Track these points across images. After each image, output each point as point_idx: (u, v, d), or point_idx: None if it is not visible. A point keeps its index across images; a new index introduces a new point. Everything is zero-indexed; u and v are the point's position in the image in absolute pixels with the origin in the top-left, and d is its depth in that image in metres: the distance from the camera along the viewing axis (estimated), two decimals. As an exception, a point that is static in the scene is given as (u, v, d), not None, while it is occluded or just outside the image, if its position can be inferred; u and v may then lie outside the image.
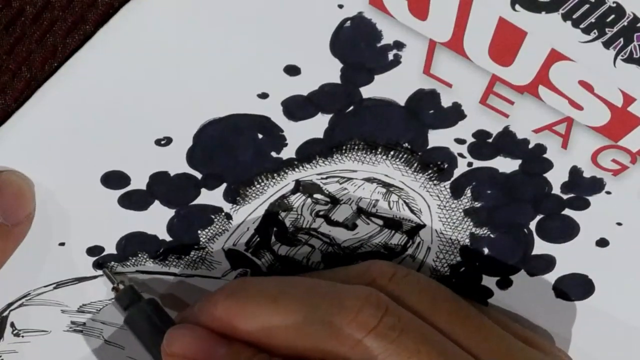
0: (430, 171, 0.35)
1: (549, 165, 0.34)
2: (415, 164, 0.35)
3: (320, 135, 0.34)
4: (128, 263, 0.37)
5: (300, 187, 0.36)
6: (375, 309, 0.32)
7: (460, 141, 0.34)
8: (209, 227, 0.36)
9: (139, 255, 0.37)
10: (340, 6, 0.30)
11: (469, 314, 0.36)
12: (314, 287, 0.34)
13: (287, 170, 0.35)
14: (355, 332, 0.32)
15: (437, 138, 0.34)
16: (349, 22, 0.30)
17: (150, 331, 0.36)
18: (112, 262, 0.37)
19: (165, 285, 0.39)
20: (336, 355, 0.32)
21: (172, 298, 0.39)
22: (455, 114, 0.33)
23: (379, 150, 0.35)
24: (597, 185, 0.35)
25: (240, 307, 0.34)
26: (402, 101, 0.33)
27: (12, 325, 0.38)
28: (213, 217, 0.36)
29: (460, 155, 0.35)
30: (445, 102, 0.33)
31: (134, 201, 0.35)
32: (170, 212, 0.36)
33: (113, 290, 0.37)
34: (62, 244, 0.36)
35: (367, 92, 0.32)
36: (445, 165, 0.35)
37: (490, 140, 0.34)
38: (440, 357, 0.32)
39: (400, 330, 0.32)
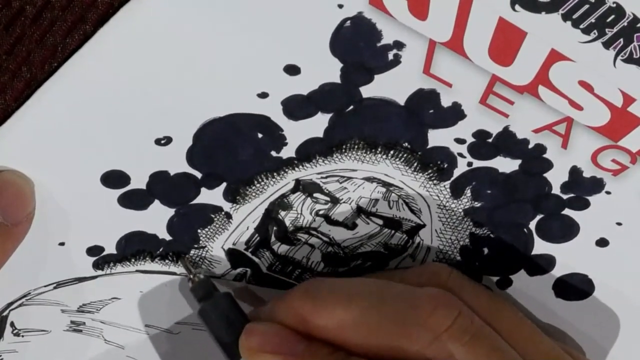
0: (430, 171, 0.35)
1: (548, 165, 0.34)
2: (415, 164, 0.35)
3: (320, 135, 0.34)
4: (128, 263, 0.37)
5: (300, 186, 0.36)
6: (449, 310, 0.33)
7: (460, 141, 0.34)
8: (208, 227, 0.36)
9: (139, 254, 0.37)
10: (340, 6, 0.30)
11: (526, 322, 0.36)
12: (387, 287, 0.34)
13: (287, 170, 0.35)
14: (428, 332, 0.33)
15: (437, 138, 0.34)
16: (348, 22, 0.30)
17: (224, 325, 0.36)
18: (191, 254, 0.37)
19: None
20: (409, 354, 0.33)
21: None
22: (455, 114, 0.33)
23: (379, 149, 0.35)
24: (597, 185, 0.35)
25: (316, 306, 0.34)
26: (402, 101, 0.33)
27: (12, 324, 0.38)
28: (213, 216, 0.36)
29: (460, 155, 0.35)
30: (445, 102, 0.33)
31: (134, 201, 0.35)
32: (170, 212, 0.36)
33: (189, 281, 0.37)
34: (62, 244, 0.36)
35: (367, 91, 0.32)
36: (445, 165, 0.35)
37: (490, 140, 0.34)
38: None
39: (473, 334, 0.33)
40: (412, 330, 0.33)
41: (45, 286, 0.37)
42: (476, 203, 0.36)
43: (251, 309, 0.38)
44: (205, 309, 0.36)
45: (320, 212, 0.37)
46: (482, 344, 0.33)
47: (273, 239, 0.38)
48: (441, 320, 0.33)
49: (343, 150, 0.35)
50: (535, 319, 0.39)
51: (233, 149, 0.34)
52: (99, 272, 0.37)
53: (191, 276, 0.37)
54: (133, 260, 0.37)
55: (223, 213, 0.36)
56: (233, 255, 0.38)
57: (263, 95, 0.32)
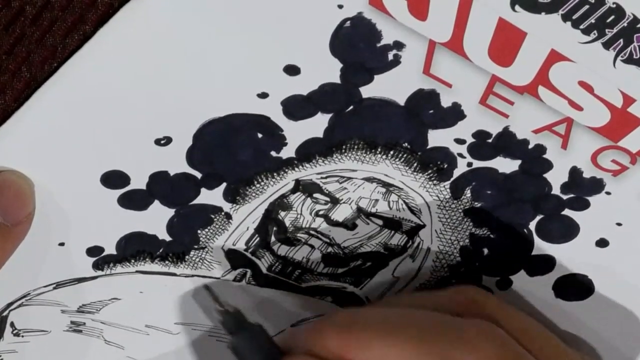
0: (430, 171, 0.35)
1: (548, 165, 0.34)
2: (415, 164, 0.35)
3: (320, 135, 0.34)
4: (128, 263, 0.37)
5: (300, 186, 0.36)
6: (493, 344, 0.32)
7: (460, 141, 0.34)
8: (208, 227, 0.36)
9: (139, 255, 0.37)
10: (340, 6, 0.30)
11: (558, 343, 0.36)
12: (429, 319, 0.34)
13: (286, 170, 0.35)
14: None
15: (437, 138, 0.34)
16: (348, 22, 0.30)
17: (258, 358, 0.35)
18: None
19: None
20: None
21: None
22: (455, 114, 0.33)
23: (379, 149, 0.35)
24: (597, 185, 0.35)
25: (355, 340, 0.33)
26: (402, 101, 0.33)
27: (12, 325, 0.38)
28: (213, 216, 0.36)
29: (460, 155, 0.35)
30: (445, 102, 0.33)
31: (134, 201, 0.35)
32: (170, 212, 0.36)
33: (218, 313, 0.36)
34: (62, 244, 0.36)
35: (366, 91, 0.32)
36: (445, 166, 0.35)
37: (490, 141, 0.34)
38: None
39: None
40: None
41: (45, 286, 0.37)
42: (476, 203, 0.36)
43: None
44: (237, 342, 0.35)
45: (320, 213, 0.37)
46: None
47: (273, 239, 0.38)
48: (486, 354, 0.32)
49: (343, 151, 0.35)
50: (544, 320, 0.39)
51: (233, 149, 0.34)
52: (99, 273, 0.37)
53: (221, 308, 0.36)
54: (133, 260, 0.37)
55: (223, 213, 0.36)
56: (233, 255, 0.38)
57: (263, 95, 0.32)
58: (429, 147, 0.34)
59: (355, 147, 0.34)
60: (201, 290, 0.39)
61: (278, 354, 0.35)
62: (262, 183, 0.35)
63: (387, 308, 0.36)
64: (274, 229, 0.37)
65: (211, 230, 0.37)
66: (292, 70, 0.32)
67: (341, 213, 0.37)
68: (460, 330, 0.33)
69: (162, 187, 0.35)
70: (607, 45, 0.29)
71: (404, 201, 0.37)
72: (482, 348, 0.32)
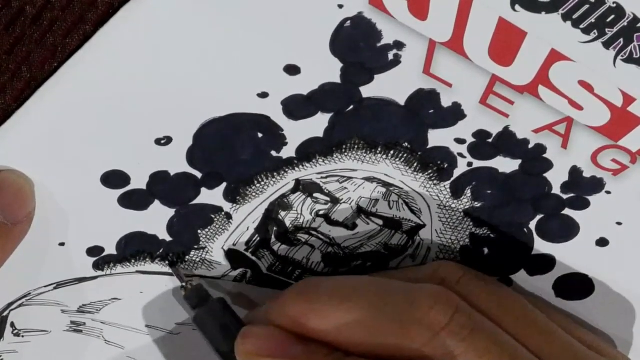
0: (430, 171, 0.35)
1: (549, 165, 0.34)
2: (415, 164, 0.35)
3: (320, 135, 0.34)
4: (128, 263, 0.37)
5: (300, 186, 0.36)
6: (446, 307, 0.33)
7: (460, 141, 0.34)
8: (209, 227, 0.36)
9: (139, 255, 0.37)
10: (340, 6, 0.30)
11: (536, 318, 0.36)
12: (384, 286, 0.34)
13: (287, 170, 0.35)
14: (427, 329, 0.32)
15: (437, 138, 0.34)
16: (349, 22, 0.30)
17: (220, 330, 0.36)
18: (180, 264, 0.37)
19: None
20: (408, 352, 0.32)
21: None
22: (455, 114, 0.33)
23: (379, 149, 0.35)
24: (597, 185, 0.35)
25: (311, 306, 0.34)
26: (402, 101, 0.33)
27: (12, 325, 0.38)
28: (213, 216, 0.36)
29: (460, 155, 0.35)
30: (445, 102, 0.33)
31: (134, 201, 0.35)
32: (171, 212, 0.36)
33: (182, 289, 0.37)
34: (62, 244, 0.36)
35: (367, 91, 0.32)
36: (445, 165, 0.35)
37: (490, 140, 0.34)
38: (510, 359, 0.33)
39: (471, 329, 0.33)
40: (411, 329, 0.33)
41: (45, 286, 0.37)
42: (476, 203, 0.36)
43: (247, 313, 0.38)
44: (200, 315, 0.36)
45: (321, 213, 0.37)
46: (481, 338, 0.33)
47: (273, 239, 0.38)
48: (439, 317, 0.32)
49: (343, 150, 0.35)
50: (562, 311, 0.39)
51: (233, 149, 0.34)
52: (99, 273, 0.37)
53: (184, 284, 0.37)
54: (133, 261, 0.37)
55: (223, 213, 0.36)
56: (233, 255, 0.38)
57: (263, 95, 0.32)
58: (429, 146, 0.34)
59: (356, 147, 0.34)
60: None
61: (239, 326, 0.35)
62: (263, 183, 0.35)
63: (346, 277, 0.36)
64: (274, 229, 0.37)
65: (211, 230, 0.37)
66: (292, 70, 0.32)
67: (341, 213, 0.37)
68: (413, 294, 0.33)
69: (162, 187, 0.35)
70: (607, 45, 0.29)
71: (404, 201, 0.37)
72: (435, 311, 0.33)
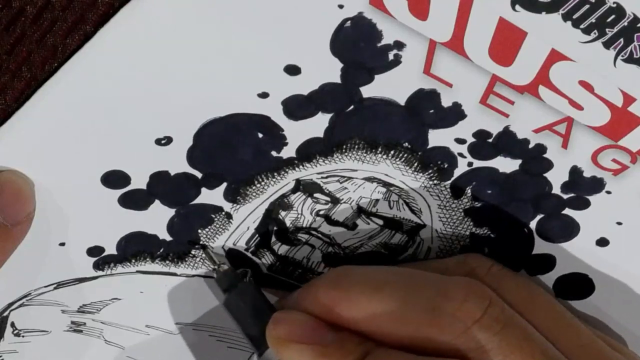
0: (430, 171, 0.35)
1: (549, 165, 0.34)
2: (416, 164, 0.35)
3: (321, 135, 0.34)
4: (128, 263, 0.37)
5: (301, 186, 0.36)
6: (480, 300, 0.32)
7: (460, 141, 0.34)
8: (209, 227, 0.36)
9: (140, 255, 0.37)
10: (341, 6, 0.30)
11: (564, 313, 0.36)
12: (417, 276, 0.34)
13: (287, 170, 0.35)
14: (460, 321, 0.32)
15: (437, 138, 0.34)
16: (349, 22, 0.30)
17: (250, 314, 0.35)
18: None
19: None
20: (438, 344, 0.32)
21: None
22: (455, 114, 0.33)
23: (379, 149, 0.35)
24: (597, 184, 0.35)
25: (344, 295, 0.33)
26: (402, 101, 0.33)
27: (13, 325, 0.38)
28: (213, 216, 0.36)
29: (461, 155, 0.35)
30: (446, 101, 0.33)
31: (134, 201, 0.35)
32: (171, 212, 0.36)
33: (213, 271, 0.37)
34: (62, 244, 0.36)
35: (367, 91, 0.32)
36: (446, 165, 0.35)
37: (490, 140, 0.34)
38: (542, 356, 0.32)
39: (504, 323, 0.32)
40: (443, 321, 0.32)
41: (45, 286, 0.37)
42: (476, 203, 0.36)
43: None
44: (231, 299, 0.36)
45: (321, 212, 0.37)
46: (513, 333, 0.32)
47: (273, 239, 0.38)
48: (472, 310, 0.32)
49: (343, 150, 0.35)
50: (576, 311, 0.39)
51: (233, 149, 0.34)
52: (100, 273, 0.37)
53: (216, 267, 0.36)
54: (133, 260, 0.37)
55: (223, 213, 0.36)
56: (233, 255, 0.38)
57: (263, 95, 0.32)
58: (429, 146, 0.34)
59: (356, 146, 0.34)
60: (203, 290, 0.39)
61: (270, 310, 0.35)
62: (263, 183, 0.35)
63: (378, 267, 0.36)
64: (275, 228, 0.37)
65: (212, 230, 0.37)
66: (292, 70, 0.32)
67: (342, 213, 0.37)
68: (446, 286, 0.33)
69: (162, 186, 0.35)
70: (607, 45, 0.29)
71: (405, 201, 0.37)
72: (469, 304, 0.32)
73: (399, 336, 0.33)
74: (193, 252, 0.37)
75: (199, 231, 0.36)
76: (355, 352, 0.33)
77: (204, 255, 0.37)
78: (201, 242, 0.37)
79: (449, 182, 0.36)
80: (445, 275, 0.34)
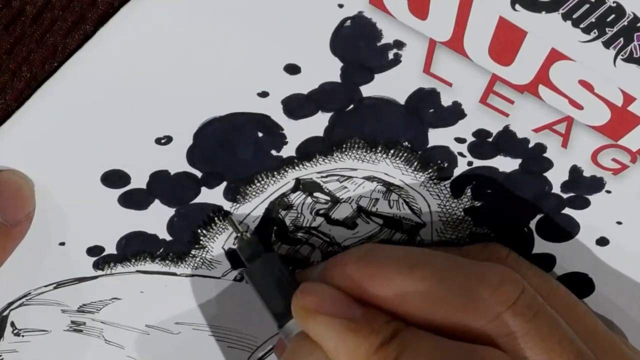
0: (430, 170, 0.35)
1: (549, 164, 0.34)
2: (416, 163, 0.35)
3: (321, 134, 0.34)
4: (128, 263, 0.37)
5: (301, 185, 0.36)
6: (514, 286, 0.32)
7: (460, 140, 0.34)
8: (209, 226, 0.36)
9: (139, 255, 0.37)
10: (341, 5, 0.30)
11: (581, 307, 0.36)
12: (451, 259, 0.33)
13: (287, 169, 0.35)
14: (494, 306, 0.32)
15: (437, 137, 0.34)
16: (349, 21, 0.30)
17: (273, 285, 0.35)
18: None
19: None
20: (469, 329, 0.32)
21: None
22: (455, 113, 0.33)
23: (379, 148, 0.35)
24: (597, 184, 0.35)
25: (374, 271, 0.33)
26: (402, 100, 0.33)
27: (13, 324, 0.38)
28: (213, 216, 0.36)
29: (461, 154, 0.35)
30: (446, 101, 0.33)
31: (134, 200, 0.35)
32: (171, 211, 0.36)
33: (236, 239, 0.36)
34: (62, 244, 0.36)
35: (367, 90, 0.32)
36: (446, 164, 0.35)
37: (490, 140, 0.34)
38: (571, 345, 0.32)
39: (536, 311, 0.32)
40: (477, 305, 0.32)
41: (45, 286, 0.37)
42: (476, 202, 0.36)
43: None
44: (253, 268, 0.35)
45: (321, 212, 0.37)
46: (544, 321, 0.32)
47: (273, 238, 0.38)
48: (507, 296, 0.32)
49: (343, 150, 0.35)
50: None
51: (233, 148, 0.34)
52: (99, 272, 0.37)
53: (239, 234, 0.36)
54: (133, 260, 0.37)
55: (223, 212, 0.36)
56: (233, 255, 0.38)
57: (263, 94, 0.32)
58: (429, 146, 0.34)
59: (356, 146, 0.34)
60: (203, 290, 0.39)
61: (293, 282, 0.34)
62: (263, 182, 0.35)
63: (409, 247, 0.35)
64: (275, 228, 0.37)
65: (212, 230, 0.37)
66: (292, 69, 0.32)
67: (341, 212, 0.37)
68: (482, 271, 0.33)
69: (162, 186, 0.35)
70: (607, 44, 0.29)
71: (405, 200, 0.37)
72: (503, 290, 0.32)
73: (429, 318, 0.32)
74: (193, 252, 0.37)
75: (199, 231, 0.36)
76: (385, 330, 0.32)
77: (226, 222, 0.36)
78: (224, 210, 0.36)
79: (449, 181, 0.36)
80: (478, 261, 0.34)
